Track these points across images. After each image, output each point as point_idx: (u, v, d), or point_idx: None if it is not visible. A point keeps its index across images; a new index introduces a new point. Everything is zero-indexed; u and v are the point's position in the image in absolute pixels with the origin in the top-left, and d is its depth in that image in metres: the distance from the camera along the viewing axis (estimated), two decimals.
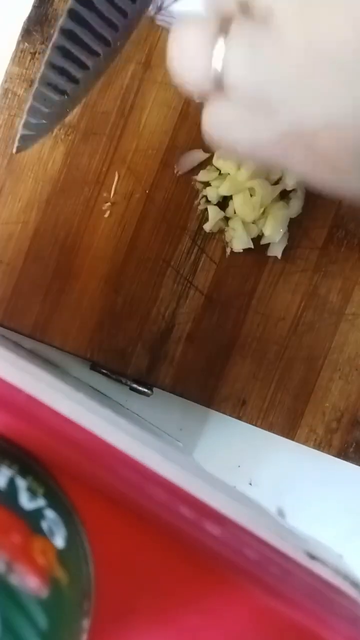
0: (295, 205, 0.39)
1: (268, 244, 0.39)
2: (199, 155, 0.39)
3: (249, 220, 0.38)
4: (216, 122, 0.25)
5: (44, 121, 0.34)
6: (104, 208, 0.39)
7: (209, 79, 0.24)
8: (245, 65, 0.23)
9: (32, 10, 0.39)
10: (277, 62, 0.23)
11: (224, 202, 0.39)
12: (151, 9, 0.38)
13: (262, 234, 0.38)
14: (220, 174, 0.39)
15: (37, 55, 0.39)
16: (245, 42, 0.23)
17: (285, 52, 0.23)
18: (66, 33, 0.31)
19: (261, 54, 0.23)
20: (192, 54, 0.24)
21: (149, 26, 0.38)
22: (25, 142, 0.34)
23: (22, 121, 0.33)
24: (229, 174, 0.38)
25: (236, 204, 0.38)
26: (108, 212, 0.39)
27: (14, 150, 0.34)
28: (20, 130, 0.34)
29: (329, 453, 0.39)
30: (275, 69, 0.23)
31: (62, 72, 0.32)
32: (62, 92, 0.33)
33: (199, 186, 0.39)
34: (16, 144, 0.34)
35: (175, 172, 0.39)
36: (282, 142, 0.24)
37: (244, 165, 0.37)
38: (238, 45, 0.23)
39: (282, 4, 0.23)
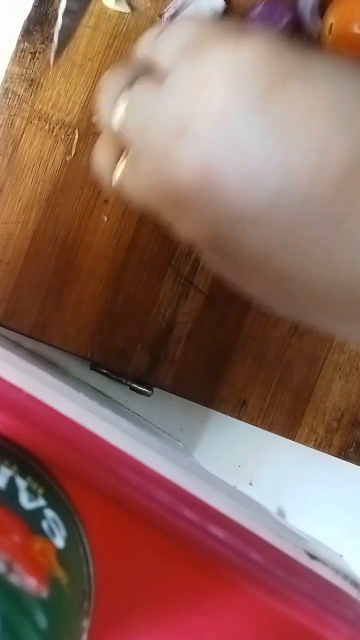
0: None
1: None
2: None
3: None
4: (101, 162, 0.29)
5: (77, 8, 0.33)
6: (104, 209, 0.39)
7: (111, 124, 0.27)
8: (131, 118, 0.26)
9: (32, 10, 0.39)
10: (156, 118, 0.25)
11: None
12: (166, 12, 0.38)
13: None
14: None
15: (37, 55, 0.39)
16: (138, 98, 0.26)
17: (164, 111, 0.25)
18: None
19: (146, 110, 0.26)
20: (105, 97, 0.27)
21: (149, 26, 0.38)
22: (64, 35, 0.33)
23: (62, 10, 0.32)
24: None
25: None
26: (109, 211, 0.39)
27: (54, 52, 0.32)
28: (60, 22, 0.32)
29: (329, 453, 0.39)
30: (155, 123, 0.25)
31: None
32: None
33: None
34: (57, 38, 0.33)
35: None
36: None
37: None
38: (132, 100, 0.26)
39: (174, 74, 0.25)
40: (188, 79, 0.25)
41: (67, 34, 0.33)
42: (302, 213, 0.24)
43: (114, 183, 0.28)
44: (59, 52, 0.33)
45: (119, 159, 0.28)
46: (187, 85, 0.25)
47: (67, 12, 0.32)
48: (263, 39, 0.25)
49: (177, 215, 0.27)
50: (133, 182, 0.27)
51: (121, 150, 0.28)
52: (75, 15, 0.33)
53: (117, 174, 0.28)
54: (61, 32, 0.32)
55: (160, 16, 0.38)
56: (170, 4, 0.38)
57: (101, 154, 0.29)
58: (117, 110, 0.27)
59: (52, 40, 0.34)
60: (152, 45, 0.27)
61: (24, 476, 0.21)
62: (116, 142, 0.28)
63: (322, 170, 0.23)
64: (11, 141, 0.39)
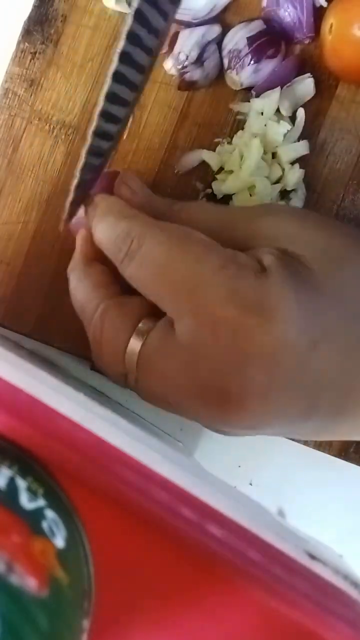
0: (296, 205, 0.39)
1: None
2: (199, 155, 0.39)
3: None
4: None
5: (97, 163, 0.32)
6: None
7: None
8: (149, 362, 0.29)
9: (32, 10, 0.39)
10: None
11: (224, 202, 0.39)
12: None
13: None
14: (223, 170, 0.38)
15: (37, 55, 0.39)
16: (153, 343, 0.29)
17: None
18: (124, 57, 0.28)
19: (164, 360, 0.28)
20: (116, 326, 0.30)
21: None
22: (81, 190, 0.32)
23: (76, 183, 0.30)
24: (232, 171, 0.38)
25: (237, 203, 0.38)
26: None
27: (68, 204, 0.31)
28: (72, 194, 0.31)
29: (329, 453, 0.39)
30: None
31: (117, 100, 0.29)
32: (110, 137, 0.31)
33: (199, 186, 0.39)
34: (68, 206, 0.32)
35: (175, 172, 0.39)
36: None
37: (245, 163, 0.37)
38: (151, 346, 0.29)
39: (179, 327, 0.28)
40: (209, 340, 0.27)
41: (84, 189, 0.31)
42: None
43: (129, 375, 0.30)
44: (72, 210, 0.32)
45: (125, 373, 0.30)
46: (210, 346, 0.27)
47: (85, 167, 0.30)
48: (284, 304, 0.27)
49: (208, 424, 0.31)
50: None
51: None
52: (94, 169, 0.31)
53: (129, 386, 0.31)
54: (78, 187, 0.31)
55: None
56: None
57: (113, 371, 0.31)
58: (128, 352, 0.29)
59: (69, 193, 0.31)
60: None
61: (24, 476, 0.21)
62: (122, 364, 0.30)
63: None
64: (11, 141, 0.39)
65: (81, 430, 0.21)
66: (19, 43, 0.39)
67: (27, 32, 0.39)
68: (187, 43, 0.37)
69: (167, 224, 0.30)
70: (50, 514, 0.20)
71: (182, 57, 0.37)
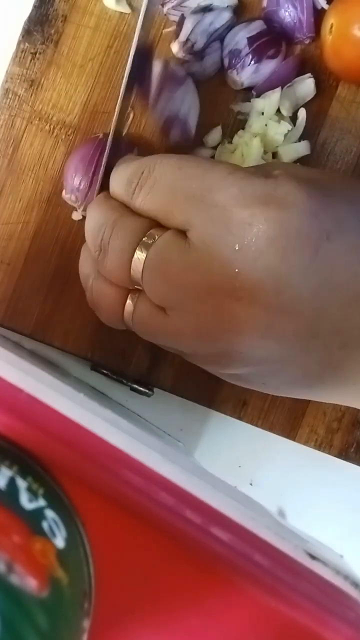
0: None
1: None
2: (199, 155, 0.39)
3: None
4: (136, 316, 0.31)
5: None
6: None
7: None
8: (155, 272, 0.29)
9: (32, 10, 0.39)
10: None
11: None
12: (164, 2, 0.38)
13: None
14: None
15: (37, 55, 0.39)
16: (161, 252, 0.29)
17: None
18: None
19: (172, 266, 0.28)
20: (119, 243, 0.30)
21: (149, 28, 0.38)
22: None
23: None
24: None
25: None
26: None
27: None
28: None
29: (329, 453, 0.39)
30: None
31: None
32: None
33: None
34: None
35: None
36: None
37: (245, 163, 0.37)
38: (156, 252, 0.29)
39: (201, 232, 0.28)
40: (221, 238, 0.27)
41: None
42: None
43: (125, 318, 0.31)
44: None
45: (126, 295, 0.31)
46: (222, 244, 0.27)
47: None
48: (294, 192, 0.27)
49: (206, 360, 0.31)
50: (156, 328, 0.30)
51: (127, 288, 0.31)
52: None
53: (128, 310, 0.31)
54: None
55: (162, 5, 0.38)
56: None
57: (108, 293, 0.31)
58: (134, 258, 0.29)
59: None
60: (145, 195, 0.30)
61: (24, 476, 0.21)
62: (125, 281, 0.30)
63: None
64: (11, 141, 0.39)
65: (81, 430, 0.21)
66: (19, 43, 0.39)
67: (28, 32, 0.39)
68: (196, 29, 0.37)
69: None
70: (50, 514, 0.20)
71: (189, 43, 0.37)
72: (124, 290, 0.31)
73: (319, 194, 0.27)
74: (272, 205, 0.27)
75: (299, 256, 0.26)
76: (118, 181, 0.31)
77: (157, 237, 0.29)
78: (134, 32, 0.34)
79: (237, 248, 0.27)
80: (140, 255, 0.29)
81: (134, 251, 0.29)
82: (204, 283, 0.27)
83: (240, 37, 0.37)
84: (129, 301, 0.31)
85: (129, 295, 0.31)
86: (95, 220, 0.32)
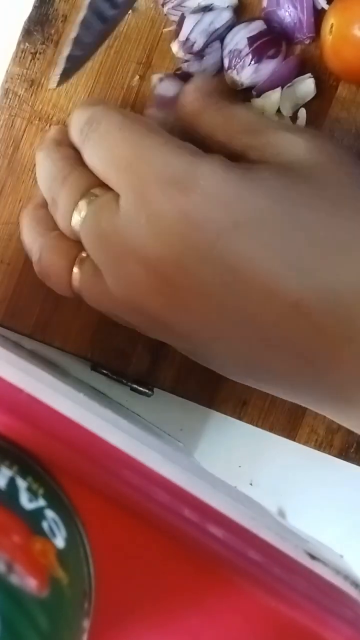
0: None
1: None
2: None
3: None
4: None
5: (82, 53, 0.33)
6: None
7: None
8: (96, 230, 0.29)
9: (32, 10, 0.39)
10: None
11: None
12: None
13: None
14: None
15: (37, 55, 0.39)
16: (97, 210, 0.30)
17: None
18: None
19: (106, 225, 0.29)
20: (65, 198, 0.31)
21: (149, 26, 0.38)
22: (62, 77, 0.34)
23: (66, 54, 0.32)
24: None
25: None
26: None
27: (55, 85, 0.34)
28: (62, 64, 0.33)
29: (329, 453, 0.39)
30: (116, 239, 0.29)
31: None
32: (104, 20, 0.32)
33: None
34: (57, 78, 0.34)
35: None
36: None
37: None
38: (94, 210, 0.30)
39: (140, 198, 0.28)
40: (136, 211, 0.28)
41: (73, 65, 0.33)
42: None
43: (74, 285, 0.32)
44: (62, 79, 0.34)
45: (74, 260, 0.32)
46: (135, 216, 0.28)
47: (76, 42, 0.32)
48: (208, 177, 0.27)
49: (148, 330, 0.31)
50: (97, 293, 0.31)
51: (77, 248, 0.31)
52: (85, 47, 0.33)
53: (75, 277, 0.32)
54: (68, 60, 0.33)
55: (163, 5, 0.38)
56: None
57: (57, 260, 0.32)
58: (75, 215, 0.30)
59: (56, 64, 0.34)
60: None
61: (24, 476, 0.21)
62: (71, 243, 0.31)
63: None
64: (11, 141, 0.39)
65: (81, 430, 0.21)
66: (19, 43, 0.39)
67: (28, 32, 0.39)
68: (195, 29, 0.37)
69: (128, 111, 0.33)
70: (50, 514, 0.20)
71: (189, 43, 0.37)
72: (72, 256, 0.32)
73: (242, 183, 0.27)
74: (181, 187, 0.27)
75: (196, 241, 0.27)
76: (74, 125, 0.32)
77: (98, 196, 0.30)
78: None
79: (144, 222, 0.28)
80: (79, 214, 0.30)
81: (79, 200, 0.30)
82: (122, 249, 0.28)
83: (240, 37, 0.37)
84: (75, 268, 0.32)
85: (76, 260, 0.32)
86: (47, 170, 0.33)
